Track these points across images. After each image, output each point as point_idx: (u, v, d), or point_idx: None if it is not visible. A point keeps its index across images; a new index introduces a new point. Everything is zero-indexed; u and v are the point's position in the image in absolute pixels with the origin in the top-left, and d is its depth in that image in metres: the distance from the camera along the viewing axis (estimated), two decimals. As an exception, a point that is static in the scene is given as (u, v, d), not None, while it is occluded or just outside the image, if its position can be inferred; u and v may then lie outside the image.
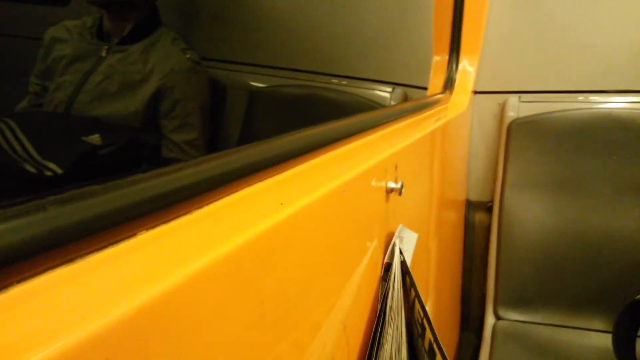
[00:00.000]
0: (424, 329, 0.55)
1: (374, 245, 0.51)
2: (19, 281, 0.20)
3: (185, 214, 0.28)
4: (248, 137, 1.43)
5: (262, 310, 0.30)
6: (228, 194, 0.31)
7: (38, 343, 0.18)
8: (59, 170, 0.84)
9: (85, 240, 0.22)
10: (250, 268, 0.29)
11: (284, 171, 0.37)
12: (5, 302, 0.19)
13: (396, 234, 0.58)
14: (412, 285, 0.56)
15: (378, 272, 0.53)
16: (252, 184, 0.33)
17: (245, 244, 0.28)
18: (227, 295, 0.27)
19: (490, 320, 1.21)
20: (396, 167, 0.56)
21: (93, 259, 0.23)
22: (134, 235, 0.25)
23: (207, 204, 0.30)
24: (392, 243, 0.56)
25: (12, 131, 0.86)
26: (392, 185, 0.53)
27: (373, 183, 0.49)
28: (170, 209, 0.27)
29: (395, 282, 0.54)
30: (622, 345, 0.96)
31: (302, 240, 0.35)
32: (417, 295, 0.55)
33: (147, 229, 0.26)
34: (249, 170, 0.33)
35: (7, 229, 0.20)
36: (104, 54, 1.24)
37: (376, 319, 0.50)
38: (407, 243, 0.60)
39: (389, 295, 0.52)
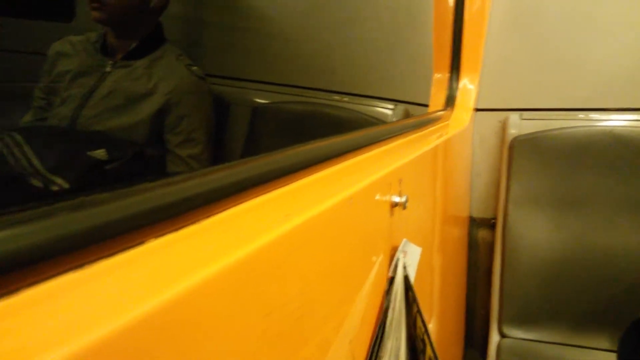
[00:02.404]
0: (424, 345, 0.55)
1: (379, 259, 0.51)
2: (28, 285, 0.20)
3: (192, 223, 0.28)
4: (250, 152, 1.44)
5: (268, 322, 0.30)
6: (235, 205, 0.32)
7: (46, 348, 0.18)
8: (66, 185, 0.85)
9: (94, 247, 0.23)
10: (255, 279, 0.29)
11: (289, 183, 0.37)
12: (15, 306, 0.19)
13: (400, 248, 0.58)
14: (414, 300, 0.55)
15: (383, 286, 0.53)
16: (258, 195, 0.34)
17: (252, 254, 0.28)
18: (232, 306, 0.27)
19: (494, 338, 1.19)
20: (400, 181, 0.56)
21: (102, 265, 0.23)
22: (142, 243, 0.25)
23: (215, 213, 0.30)
24: (395, 257, 0.56)
25: (19, 145, 0.87)
26: (396, 199, 0.53)
27: (377, 197, 0.49)
28: (178, 218, 0.27)
29: (397, 296, 0.53)
30: (627, 364, 0.95)
31: (308, 252, 0.35)
32: (419, 310, 0.55)
33: (156, 237, 0.26)
34: (255, 181, 0.33)
35: (18, 234, 0.20)
36: (108, 69, 1.25)
37: (376, 333, 0.49)
38: (411, 257, 0.60)
39: (390, 310, 0.51)
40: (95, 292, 0.21)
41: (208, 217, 0.29)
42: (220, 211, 0.30)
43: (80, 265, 0.22)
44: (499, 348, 1.16)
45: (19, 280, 0.19)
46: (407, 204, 0.56)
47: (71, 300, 0.20)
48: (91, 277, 0.22)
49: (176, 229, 0.27)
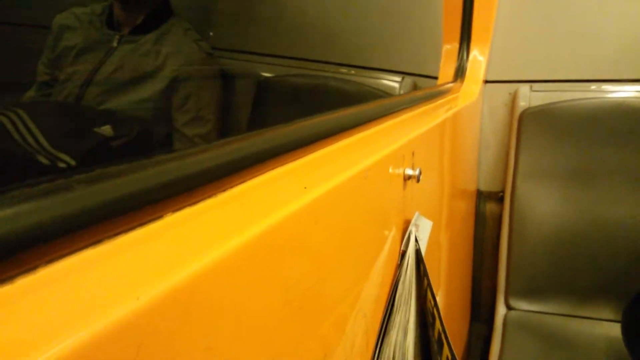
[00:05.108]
0: (434, 318, 0.54)
1: (392, 233, 0.50)
2: (47, 262, 0.19)
3: (210, 196, 0.27)
4: (256, 126, 1.42)
5: (288, 297, 0.30)
6: (252, 177, 0.31)
7: (69, 326, 0.17)
8: (72, 162, 0.84)
9: (112, 221, 0.22)
10: (275, 253, 0.28)
11: (306, 155, 0.36)
12: (35, 284, 0.19)
13: (412, 221, 0.57)
14: (425, 274, 0.55)
15: (396, 259, 0.53)
16: (276, 167, 0.33)
17: (271, 227, 0.27)
18: (253, 281, 0.26)
19: (501, 310, 1.20)
20: (413, 154, 0.55)
21: (121, 240, 0.22)
22: (161, 217, 0.24)
23: (232, 186, 0.29)
24: (408, 231, 0.56)
25: (24, 122, 0.86)
26: (409, 172, 0.53)
27: (391, 170, 0.48)
28: (196, 191, 0.26)
29: (407, 269, 0.53)
30: (631, 334, 0.96)
31: (326, 225, 0.34)
32: (429, 284, 0.55)
33: (174, 211, 0.25)
34: (272, 153, 0.32)
35: (35, 209, 0.19)
36: (115, 44, 1.22)
37: (386, 306, 0.49)
38: (422, 231, 0.59)
39: (400, 283, 0.51)
40: (115, 268, 0.21)
41: (225, 190, 0.29)
42: (238, 184, 0.30)
43: (99, 241, 0.21)
44: (505, 320, 1.17)
45: (36, 258, 0.19)
46: (420, 177, 0.55)
47: (92, 277, 0.20)
48: (111, 252, 0.21)
49: (194, 203, 0.26)
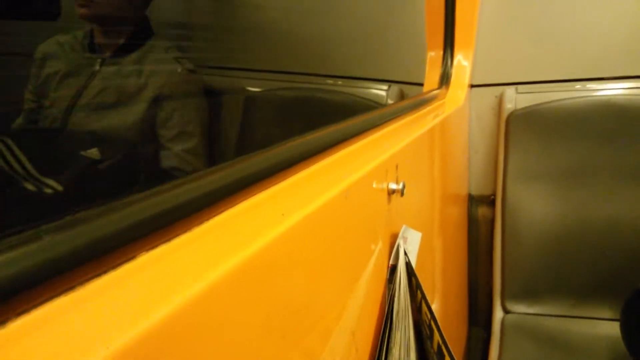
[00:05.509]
0: (432, 330, 0.54)
1: (378, 248, 0.50)
2: (17, 315, 0.19)
3: (185, 231, 0.27)
4: (247, 142, 1.43)
5: (270, 324, 0.30)
6: (228, 208, 0.31)
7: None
8: (59, 187, 0.84)
9: (84, 267, 0.22)
10: (255, 282, 0.28)
11: (283, 180, 0.36)
12: (5, 338, 0.19)
13: (400, 234, 0.57)
14: (418, 286, 0.55)
15: (384, 275, 0.53)
16: (252, 196, 0.33)
17: (249, 258, 0.27)
18: (233, 312, 0.26)
19: (498, 314, 1.20)
20: (397, 167, 0.55)
21: (94, 285, 0.22)
22: (134, 257, 0.24)
23: (207, 219, 0.29)
24: (396, 244, 0.56)
25: (10, 149, 0.86)
26: (393, 186, 0.53)
27: (374, 185, 0.48)
28: (169, 228, 0.26)
29: (401, 284, 0.53)
30: (630, 332, 0.96)
31: (306, 249, 0.34)
32: (424, 296, 0.54)
33: (148, 250, 0.25)
34: (248, 181, 0.32)
35: (3, 262, 0.19)
36: (97, 67, 1.23)
37: (383, 323, 0.49)
38: (411, 243, 0.59)
39: (395, 299, 0.51)
40: (89, 314, 0.21)
41: (200, 223, 0.29)
42: (213, 216, 0.30)
43: (71, 288, 0.21)
44: (503, 324, 1.17)
45: (6, 311, 0.19)
46: (405, 190, 0.55)
47: (64, 325, 0.20)
48: (83, 299, 0.21)
49: (168, 240, 0.26)
